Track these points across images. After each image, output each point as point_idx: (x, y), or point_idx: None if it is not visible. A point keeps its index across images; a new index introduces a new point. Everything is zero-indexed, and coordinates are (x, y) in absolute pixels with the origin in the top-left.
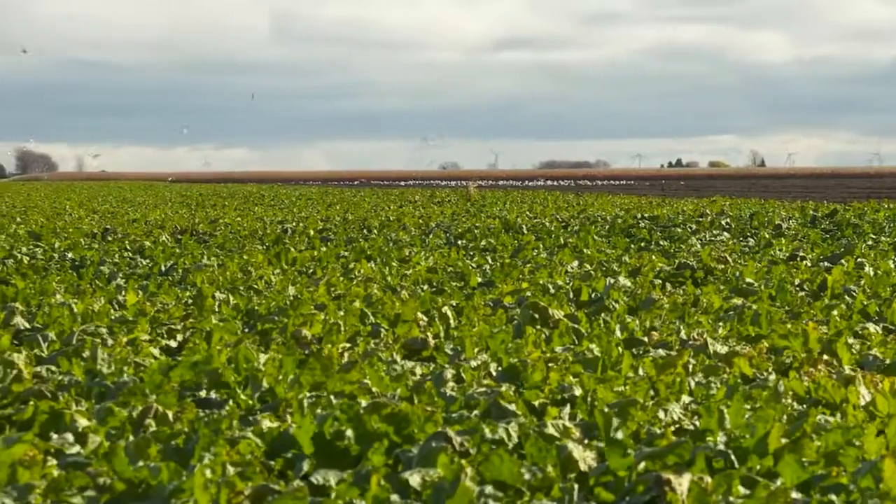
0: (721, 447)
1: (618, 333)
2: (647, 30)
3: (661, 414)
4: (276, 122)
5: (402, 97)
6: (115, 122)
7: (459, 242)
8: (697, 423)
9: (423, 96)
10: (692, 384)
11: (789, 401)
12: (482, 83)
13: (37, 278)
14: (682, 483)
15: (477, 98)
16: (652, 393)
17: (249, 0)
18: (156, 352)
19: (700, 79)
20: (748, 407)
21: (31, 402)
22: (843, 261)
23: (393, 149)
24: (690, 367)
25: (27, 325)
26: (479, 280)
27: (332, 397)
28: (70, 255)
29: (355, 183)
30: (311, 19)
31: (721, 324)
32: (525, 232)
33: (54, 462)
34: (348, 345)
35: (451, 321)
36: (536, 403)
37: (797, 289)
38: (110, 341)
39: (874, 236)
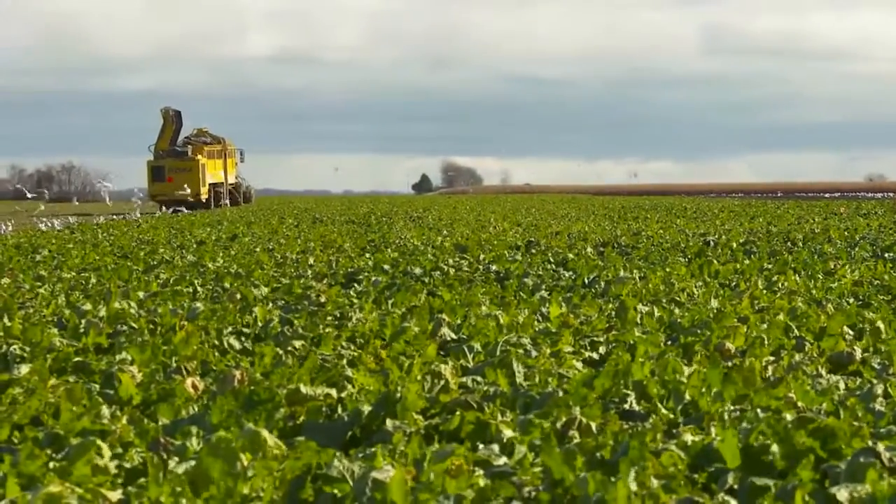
0: None
1: None
2: None
3: None
4: (702, 135)
5: (832, 109)
6: (542, 135)
7: (887, 255)
8: None
9: (852, 108)
10: None
11: None
12: None
13: (462, 290)
14: None
15: None
16: None
17: (681, 13)
18: (579, 364)
19: None
20: None
21: (458, 413)
22: None
23: (819, 161)
24: None
25: (453, 336)
26: None
27: (758, 411)
28: (494, 266)
29: (778, 195)
30: (743, 31)
31: None
32: None
33: (481, 472)
34: (772, 358)
35: (881, 335)
36: None
37: None
38: (534, 353)
39: None
